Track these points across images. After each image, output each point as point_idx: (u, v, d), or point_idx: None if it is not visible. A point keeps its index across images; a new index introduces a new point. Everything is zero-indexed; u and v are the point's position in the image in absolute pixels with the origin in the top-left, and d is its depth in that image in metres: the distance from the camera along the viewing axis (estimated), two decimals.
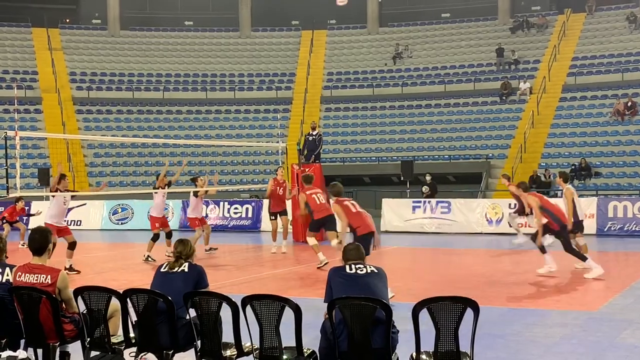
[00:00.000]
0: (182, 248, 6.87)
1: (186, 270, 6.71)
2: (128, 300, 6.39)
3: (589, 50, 37.92)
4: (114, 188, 32.15)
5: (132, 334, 6.55)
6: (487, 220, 22.54)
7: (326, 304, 6.04)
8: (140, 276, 14.04)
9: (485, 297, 10.63)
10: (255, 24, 45.02)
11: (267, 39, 44.40)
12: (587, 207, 21.46)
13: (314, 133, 22.10)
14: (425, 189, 26.13)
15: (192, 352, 6.39)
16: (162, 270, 6.81)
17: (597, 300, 10.80)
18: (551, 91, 35.72)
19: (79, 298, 6.53)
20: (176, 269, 6.71)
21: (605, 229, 21.19)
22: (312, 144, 21.97)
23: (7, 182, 15.00)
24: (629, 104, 32.69)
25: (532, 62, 38.36)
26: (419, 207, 23.51)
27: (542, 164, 30.94)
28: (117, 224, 26.59)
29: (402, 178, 27.97)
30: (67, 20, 45.21)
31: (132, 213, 26.54)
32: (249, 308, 5.91)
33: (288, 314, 5.82)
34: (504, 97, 36.35)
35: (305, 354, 5.99)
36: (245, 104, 39.49)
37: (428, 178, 26.84)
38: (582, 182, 29.34)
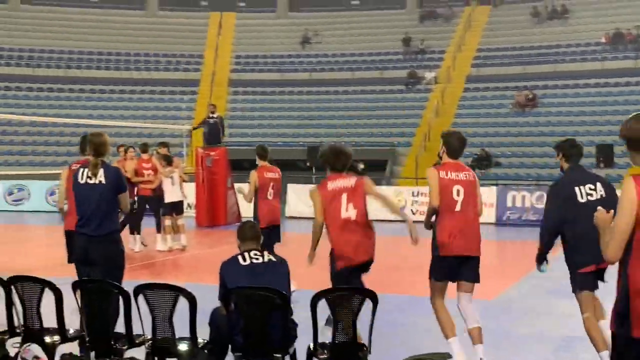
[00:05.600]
0: (95, 138, 6.73)
1: (103, 181, 6.57)
2: (13, 287, 6.06)
3: (493, 42, 38.69)
4: (10, 167, 30.90)
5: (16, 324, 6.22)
6: None
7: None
8: (33, 261, 13.51)
9: (385, 284, 10.66)
10: (162, 4, 44.08)
11: (175, 19, 43.50)
12: (486, 196, 21.95)
13: (214, 115, 21.51)
14: (361, 166, 26.23)
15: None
16: (80, 181, 6.61)
17: (493, 290, 10.96)
18: (455, 81, 36.34)
19: None
20: (93, 180, 6.55)
21: (504, 218, 21.70)
22: (214, 127, 21.32)
23: None
24: (530, 96, 33.58)
25: (437, 52, 38.90)
26: None
27: None
28: (13, 204, 25.62)
29: (307, 164, 27.94)
30: None
31: (29, 194, 25.61)
32: (141, 297, 5.70)
33: (184, 303, 5.63)
34: (409, 86, 36.75)
35: (200, 345, 5.82)
36: (150, 84, 38.61)
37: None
38: (484, 171, 29.93)
